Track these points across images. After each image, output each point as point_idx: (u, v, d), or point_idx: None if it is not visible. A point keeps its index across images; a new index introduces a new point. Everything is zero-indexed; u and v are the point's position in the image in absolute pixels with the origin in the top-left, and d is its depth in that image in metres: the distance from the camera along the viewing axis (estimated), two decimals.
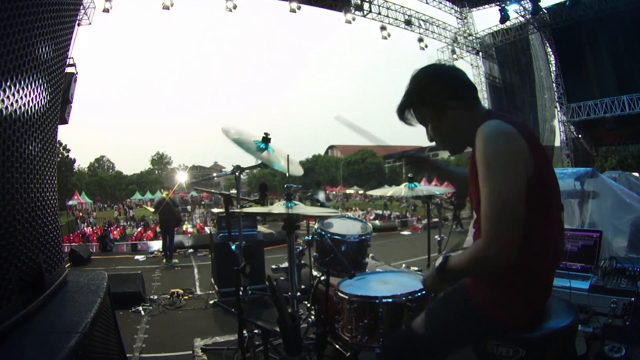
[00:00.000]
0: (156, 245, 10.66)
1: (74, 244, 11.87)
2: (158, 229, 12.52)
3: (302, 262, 2.68)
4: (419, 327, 1.39)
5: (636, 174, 4.77)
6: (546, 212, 1.24)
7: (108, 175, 53.64)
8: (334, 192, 40.63)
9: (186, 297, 4.92)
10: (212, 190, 3.50)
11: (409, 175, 2.89)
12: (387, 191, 3.66)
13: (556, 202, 1.29)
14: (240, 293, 2.28)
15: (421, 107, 1.37)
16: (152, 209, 8.23)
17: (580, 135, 15.14)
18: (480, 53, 17.29)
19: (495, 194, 1.13)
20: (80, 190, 37.05)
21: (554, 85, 14.95)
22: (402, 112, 1.40)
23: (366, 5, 14.74)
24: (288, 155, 2.31)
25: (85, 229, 22.67)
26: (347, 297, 2.02)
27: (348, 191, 40.88)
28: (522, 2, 14.30)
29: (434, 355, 1.40)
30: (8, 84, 1.33)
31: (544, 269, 1.27)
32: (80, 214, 30.10)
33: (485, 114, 1.30)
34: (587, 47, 13.71)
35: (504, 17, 14.56)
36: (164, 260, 7.88)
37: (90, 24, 11.37)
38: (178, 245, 9.73)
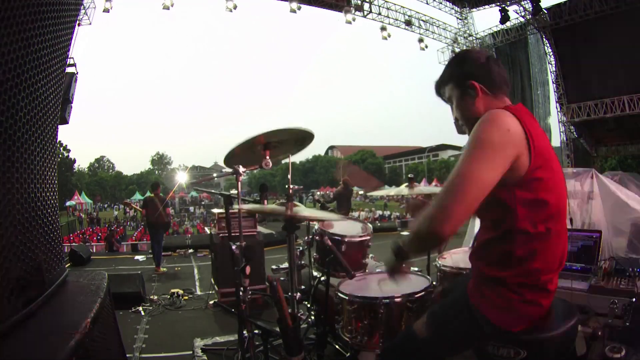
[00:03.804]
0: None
1: (74, 244, 11.89)
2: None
3: (302, 262, 2.68)
4: (420, 330, 1.39)
5: (636, 174, 4.77)
6: (550, 215, 1.23)
7: (108, 175, 53.72)
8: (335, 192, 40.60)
9: (186, 297, 4.92)
10: (212, 191, 3.49)
11: (410, 175, 2.89)
12: (388, 191, 3.66)
13: (561, 204, 1.28)
14: (240, 293, 2.28)
15: (449, 83, 1.42)
16: (141, 209, 7.47)
17: (580, 136, 15.13)
18: None
19: (465, 173, 1.15)
20: (80, 190, 37.08)
21: (554, 85, 14.94)
22: (437, 88, 1.48)
23: (366, 6, 14.73)
24: (290, 155, 2.31)
25: (85, 229, 22.65)
26: (347, 297, 2.02)
27: None
28: (522, 3, 14.31)
29: (435, 358, 1.40)
30: (9, 84, 1.33)
31: (546, 272, 1.27)
32: (80, 214, 30.10)
33: (504, 107, 1.30)
34: (587, 47, 13.70)
35: (504, 18, 14.57)
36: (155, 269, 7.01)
37: (90, 24, 11.34)
38: (178, 246, 9.72)
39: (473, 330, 1.30)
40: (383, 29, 15.04)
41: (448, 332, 1.35)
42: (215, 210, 6.05)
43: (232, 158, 2.02)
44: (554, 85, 14.92)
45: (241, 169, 2.31)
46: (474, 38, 17.11)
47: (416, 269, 2.72)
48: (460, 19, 17.00)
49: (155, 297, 4.83)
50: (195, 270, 7.13)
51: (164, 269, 7.13)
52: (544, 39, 14.85)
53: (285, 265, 2.94)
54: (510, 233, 1.23)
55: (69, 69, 7.28)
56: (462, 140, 1.61)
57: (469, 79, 1.35)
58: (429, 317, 1.40)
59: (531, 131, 1.19)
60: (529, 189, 1.19)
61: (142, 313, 4.26)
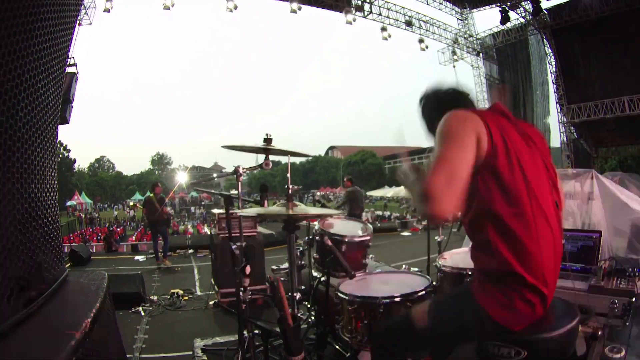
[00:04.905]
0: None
1: (74, 244, 11.89)
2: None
3: (302, 262, 2.68)
4: (419, 318, 1.41)
5: (636, 175, 4.76)
6: (522, 205, 1.24)
7: (108, 175, 53.73)
8: (334, 193, 40.65)
9: (186, 298, 4.92)
10: (212, 191, 3.49)
11: None
12: (387, 192, 3.66)
13: (541, 197, 1.28)
14: (241, 293, 2.28)
15: (433, 124, 1.48)
16: (141, 207, 7.85)
17: (580, 136, 15.12)
18: (481, 54, 17.31)
19: (443, 159, 1.23)
20: (80, 191, 37.11)
21: (554, 86, 14.95)
22: (431, 132, 1.53)
23: (367, 6, 14.74)
24: (289, 155, 2.32)
25: (84, 229, 22.66)
26: (347, 297, 2.02)
27: None
28: (523, 3, 14.31)
29: (428, 346, 1.42)
30: (9, 84, 1.33)
31: (537, 270, 1.26)
32: (80, 214, 30.12)
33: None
34: (588, 48, 13.70)
35: (505, 18, 14.58)
36: (159, 263, 7.43)
37: (91, 24, 11.37)
38: (178, 246, 9.71)
39: (473, 325, 1.31)
40: (383, 29, 15.05)
41: (448, 323, 1.38)
42: (216, 211, 6.06)
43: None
44: (554, 85, 14.93)
45: (241, 169, 2.32)
46: (474, 38, 17.12)
47: (416, 269, 2.73)
48: (460, 20, 17.01)
49: (155, 298, 4.82)
50: (195, 270, 7.13)
51: (169, 263, 7.36)
52: (545, 40, 14.86)
53: (285, 265, 2.93)
54: (481, 217, 1.28)
55: (70, 69, 7.31)
56: None
57: (439, 115, 1.41)
58: (430, 307, 1.41)
59: (489, 122, 1.27)
60: (489, 174, 1.25)
61: (142, 313, 4.26)
